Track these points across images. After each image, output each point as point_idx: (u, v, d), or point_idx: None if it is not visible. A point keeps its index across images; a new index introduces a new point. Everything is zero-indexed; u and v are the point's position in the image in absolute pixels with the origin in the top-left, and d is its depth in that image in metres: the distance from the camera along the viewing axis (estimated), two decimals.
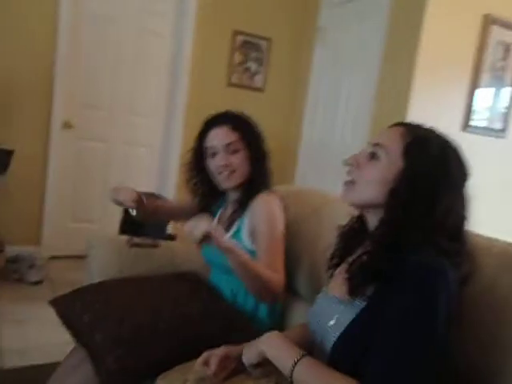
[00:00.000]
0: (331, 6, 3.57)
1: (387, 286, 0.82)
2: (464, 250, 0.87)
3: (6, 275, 2.78)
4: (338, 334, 0.87)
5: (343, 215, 1.07)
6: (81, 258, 2.03)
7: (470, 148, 1.03)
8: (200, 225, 1.11)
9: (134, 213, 1.50)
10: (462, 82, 2.91)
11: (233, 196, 1.50)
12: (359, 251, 0.95)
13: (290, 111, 3.94)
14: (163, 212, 1.70)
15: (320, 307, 1.01)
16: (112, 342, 1.11)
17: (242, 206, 1.44)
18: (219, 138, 1.42)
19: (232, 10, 3.55)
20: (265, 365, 0.94)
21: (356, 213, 1.02)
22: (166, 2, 3.42)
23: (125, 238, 1.68)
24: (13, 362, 1.92)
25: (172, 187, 3.51)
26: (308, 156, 3.79)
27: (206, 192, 1.55)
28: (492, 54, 2.93)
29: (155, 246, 1.68)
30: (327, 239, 1.14)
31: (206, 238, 1.11)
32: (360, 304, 0.86)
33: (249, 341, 1.00)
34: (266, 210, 1.39)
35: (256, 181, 1.45)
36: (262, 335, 0.95)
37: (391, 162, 0.89)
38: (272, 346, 0.92)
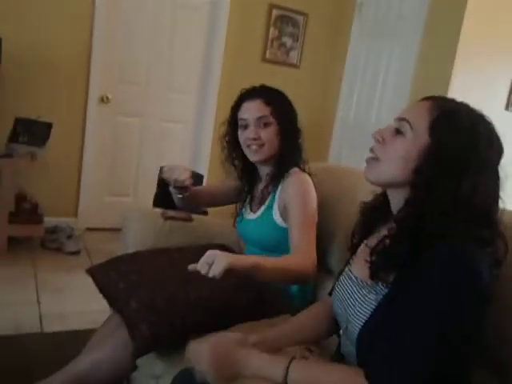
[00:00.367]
0: None
1: (410, 272, 0.78)
2: (496, 234, 0.81)
3: (46, 245, 2.90)
4: (361, 322, 0.86)
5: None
6: (116, 230, 2.07)
7: None
8: (217, 260, 0.98)
9: (182, 195, 1.51)
10: (507, 60, 2.78)
11: (264, 170, 1.50)
12: (382, 231, 0.92)
13: (326, 89, 3.87)
14: (203, 196, 1.67)
15: (343, 291, 0.97)
16: (146, 309, 1.15)
17: (274, 180, 1.44)
18: (251, 110, 1.42)
19: None
20: None
21: (380, 190, 0.98)
22: None
23: (159, 211, 1.71)
24: (52, 326, 2.00)
25: (206, 164, 3.54)
26: (343, 134, 3.73)
27: (242, 167, 1.54)
28: None
29: (189, 219, 1.70)
30: None
31: (228, 271, 0.99)
32: (382, 289, 0.84)
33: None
34: (298, 186, 1.38)
35: (286, 156, 1.43)
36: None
37: (416, 138, 0.84)
38: (252, 361, 0.87)
